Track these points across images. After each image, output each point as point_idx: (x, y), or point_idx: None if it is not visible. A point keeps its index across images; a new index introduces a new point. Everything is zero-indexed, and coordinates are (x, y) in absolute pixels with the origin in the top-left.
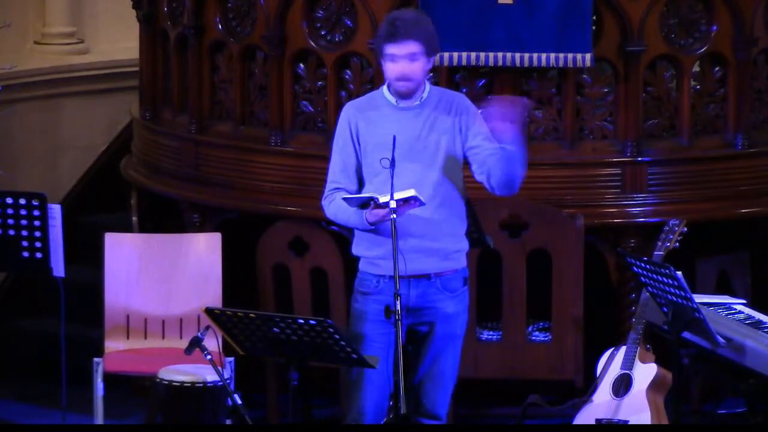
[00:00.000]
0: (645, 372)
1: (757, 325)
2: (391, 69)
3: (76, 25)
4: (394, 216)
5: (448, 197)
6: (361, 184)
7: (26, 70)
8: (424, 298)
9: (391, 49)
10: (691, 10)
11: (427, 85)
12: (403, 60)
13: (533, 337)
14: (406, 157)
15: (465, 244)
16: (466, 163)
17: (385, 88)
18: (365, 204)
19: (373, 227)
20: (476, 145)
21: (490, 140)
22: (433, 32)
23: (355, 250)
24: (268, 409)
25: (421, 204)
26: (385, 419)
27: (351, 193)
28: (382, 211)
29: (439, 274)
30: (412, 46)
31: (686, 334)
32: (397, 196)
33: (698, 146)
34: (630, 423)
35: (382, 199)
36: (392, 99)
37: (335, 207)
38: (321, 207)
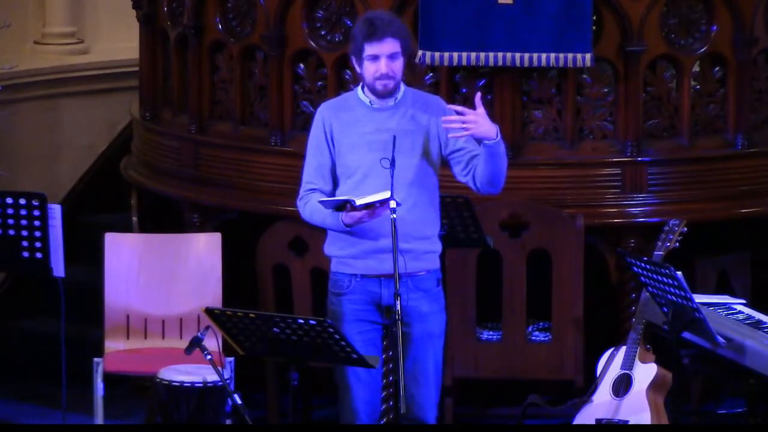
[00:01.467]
0: (645, 372)
1: (757, 325)
2: (370, 69)
3: (76, 25)
4: (394, 216)
5: (421, 199)
6: (335, 185)
7: (26, 70)
8: (401, 297)
9: (371, 48)
10: (691, 10)
11: (402, 86)
12: (384, 59)
13: (533, 337)
14: (380, 158)
15: (438, 246)
16: (445, 165)
17: (359, 89)
18: (341, 206)
19: (348, 229)
20: (459, 148)
21: (471, 141)
22: (409, 32)
23: (328, 250)
24: (268, 409)
25: (398, 204)
26: (384, 419)
27: (326, 194)
28: (358, 214)
29: (410, 274)
30: (393, 45)
31: (686, 334)
32: (371, 198)
33: (698, 146)
34: (630, 423)
35: (359, 201)
36: (366, 100)
37: (311, 208)
38: (296, 208)
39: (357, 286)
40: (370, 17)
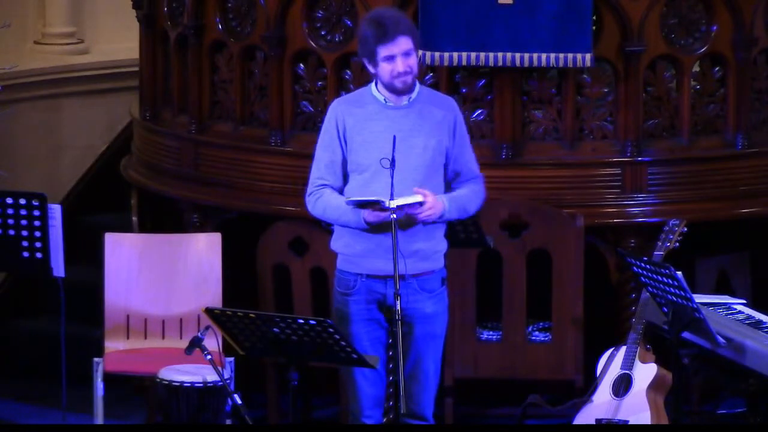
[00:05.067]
0: (645, 372)
1: (757, 325)
2: (388, 69)
3: (76, 25)
4: (394, 216)
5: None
6: (345, 181)
7: (26, 70)
8: (402, 298)
9: (385, 50)
10: (691, 10)
11: (417, 85)
12: (399, 57)
13: (533, 337)
14: (385, 156)
15: (444, 245)
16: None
17: (373, 86)
18: (366, 205)
19: (367, 226)
20: (454, 169)
21: (461, 164)
22: (414, 25)
23: (334, 245)
24: (268, 409)
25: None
26: (385, 418)
27: (336, 190)
28: (383, 213)
29: (416, 275)
30: (406, 42)
31: (686, 334)
32: (404, 200)
33: (698, 146)
34: (630, 423)
35: (392, 204)
36: (381, 97)
37: (324, 203)
38: (305, 203)
39: (362, 286)
40: (377, 17)
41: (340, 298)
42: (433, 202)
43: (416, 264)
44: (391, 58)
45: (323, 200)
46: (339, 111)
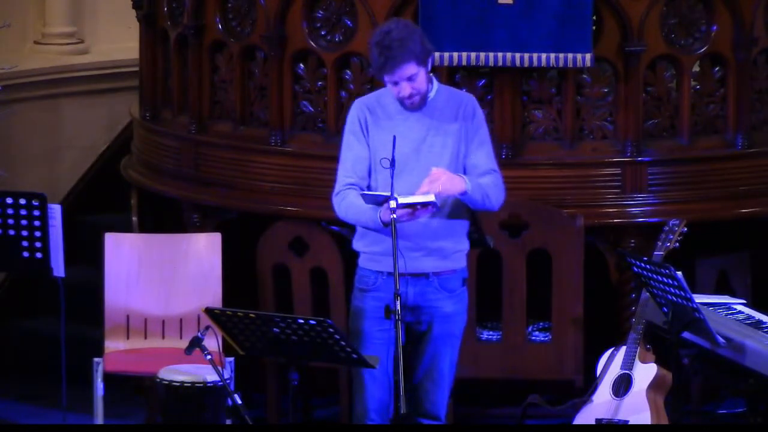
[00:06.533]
0: (645, 372)
1: (757, 325)
2: (393, 90)
3: (76, 25)
4: (394, 216)
5: (450, 198)
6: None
7: (26, 70)
8: (422, 296)
9: (388, 77)
10: (691, 10)
11: (435, 84)
12: (402, 83)
13: (533, 337)
14: (411, 157)
15: (465, 245)
16: None
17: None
18: (380, 202)
19: (384, 228)
20: (473, 164)
21: (486, 159)
22: (422, 40)
23: (356, 245)
24: (268, 409)
25: (436, 207)
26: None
27: (363, 190)
28: (398, 212)
29: (437, 274)
30: (409, 68)
31: (686, 334)
32: (413, 199)
33: (698, 146)
34: (630, 423)
35: (401, 200)
36: None
37: (347, 205)
38: (331, 203)
39: (382, 284)
40: (381, 42)
41: (358, 294)
42: (440, 173)
43: (437, 263)
44: (395, 83)
45: (346, 202)
46: (360, 109)
